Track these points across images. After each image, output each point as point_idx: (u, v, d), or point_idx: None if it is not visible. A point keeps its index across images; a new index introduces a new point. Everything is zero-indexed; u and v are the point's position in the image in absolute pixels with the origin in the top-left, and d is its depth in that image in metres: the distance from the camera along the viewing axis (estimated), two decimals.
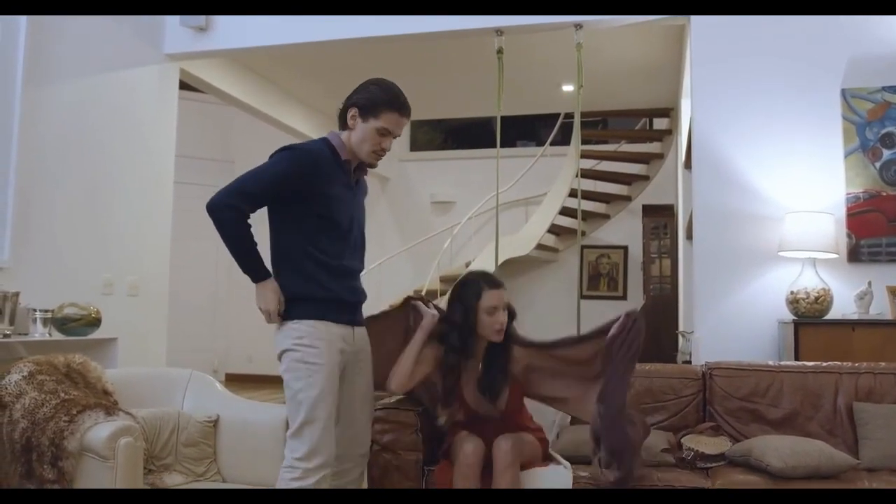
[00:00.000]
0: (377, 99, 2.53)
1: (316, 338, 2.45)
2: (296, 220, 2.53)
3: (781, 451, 2.71)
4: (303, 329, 2.46)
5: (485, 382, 2.72)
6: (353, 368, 2.60)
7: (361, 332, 2.64)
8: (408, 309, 2.90)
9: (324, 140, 2.60)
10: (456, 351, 2.70)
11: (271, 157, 2.54)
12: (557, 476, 2.69)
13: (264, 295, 2.48)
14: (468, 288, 2.73)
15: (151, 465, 2.66)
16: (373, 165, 2.63)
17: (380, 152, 2.58)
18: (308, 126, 7.80)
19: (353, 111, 2.55)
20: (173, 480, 2.67)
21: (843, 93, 4.15)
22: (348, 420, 2.60)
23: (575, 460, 2.83)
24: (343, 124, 2.60)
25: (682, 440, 3.03)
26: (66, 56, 4.50)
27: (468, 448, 2.62)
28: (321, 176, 2.51)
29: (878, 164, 4.07)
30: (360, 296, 2.65)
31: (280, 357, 2.49)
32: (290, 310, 2.49)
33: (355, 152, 2.58)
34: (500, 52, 5.07)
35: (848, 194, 4.10)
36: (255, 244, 2.48)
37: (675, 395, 3.28)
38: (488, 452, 2.66)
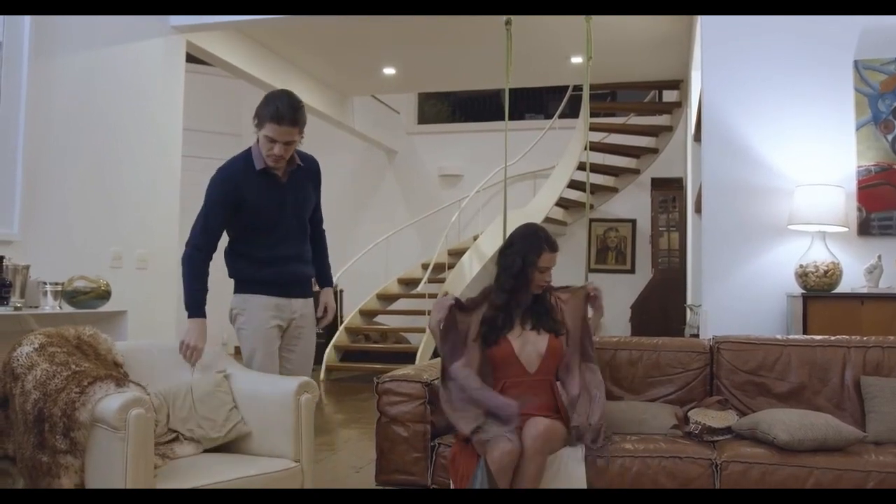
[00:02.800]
0: (261, 112, 2.82)
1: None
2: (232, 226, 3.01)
3: (788, 423, 2.71)
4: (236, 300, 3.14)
5: (533, 320, 2.88)
6: (291, 332, 3.07)
7: (299, 303, 3.06)
8: None
9: (248, 151, 2.95)
10: (507, 292, 2.85)
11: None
12: (574, 454, 2.71)
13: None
14: (531, 243, 2.86)
15: (166, 436, 2.68)
16: (275, 167, 2.91)
17: (272, 156, 2.86)
18: (316, 99, 7.76)
19: (254, 121, 2.86)
20: (184, 451, 2.69)
21: (856, 64, 4.10)
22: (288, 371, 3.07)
23: None
24: None
25: (689, 413, 3.03)
26: (73, 29, 4.48)
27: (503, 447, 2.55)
28: (239, 190, 2.90)
29: (890, 137, 4.03)
30: (290, 276, 3.03)
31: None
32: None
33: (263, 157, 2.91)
34: (508, 22, 5.02)
35: (859, 167, 4.06)
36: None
37: (682, 369, 3.28)
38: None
